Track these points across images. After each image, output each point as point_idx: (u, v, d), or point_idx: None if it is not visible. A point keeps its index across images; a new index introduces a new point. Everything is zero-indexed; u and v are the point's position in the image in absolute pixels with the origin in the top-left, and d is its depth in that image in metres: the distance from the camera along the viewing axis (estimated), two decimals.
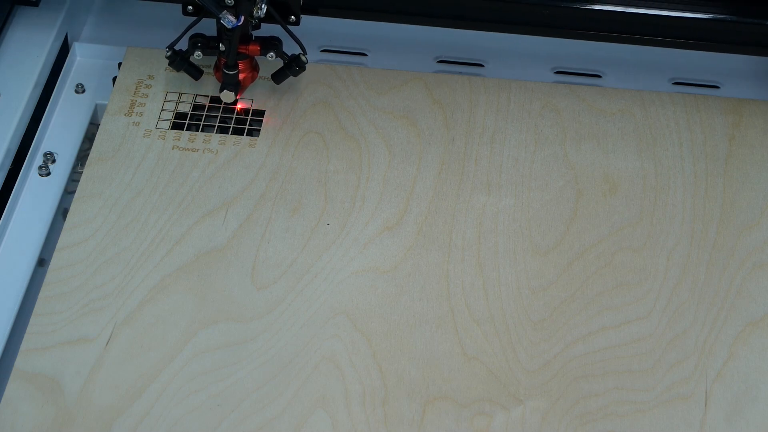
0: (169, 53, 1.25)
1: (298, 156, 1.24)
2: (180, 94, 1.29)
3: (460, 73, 1.37)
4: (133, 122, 1.26)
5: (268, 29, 1.27)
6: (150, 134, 1.25)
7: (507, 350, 1.10)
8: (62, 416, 1.04)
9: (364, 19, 1.35)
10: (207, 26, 1.26)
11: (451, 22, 1.32)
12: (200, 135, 1.25)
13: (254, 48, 1.25)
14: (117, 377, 1.06)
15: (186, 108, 1.28)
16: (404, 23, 1.34)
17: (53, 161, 1.25)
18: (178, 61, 1.26)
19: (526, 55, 1.39)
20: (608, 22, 1.30)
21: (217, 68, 1.28)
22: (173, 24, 1.39)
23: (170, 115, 1.27)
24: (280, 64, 1.27)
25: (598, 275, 1.15)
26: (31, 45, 1.32)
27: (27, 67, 1.30)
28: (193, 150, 1.24)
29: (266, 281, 1.14)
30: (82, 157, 1.28)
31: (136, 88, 1.29)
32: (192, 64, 1.27)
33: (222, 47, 1.24)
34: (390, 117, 1.28)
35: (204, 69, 1.29)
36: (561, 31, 1.32)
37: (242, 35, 1.24)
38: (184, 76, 1.30)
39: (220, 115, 1.28)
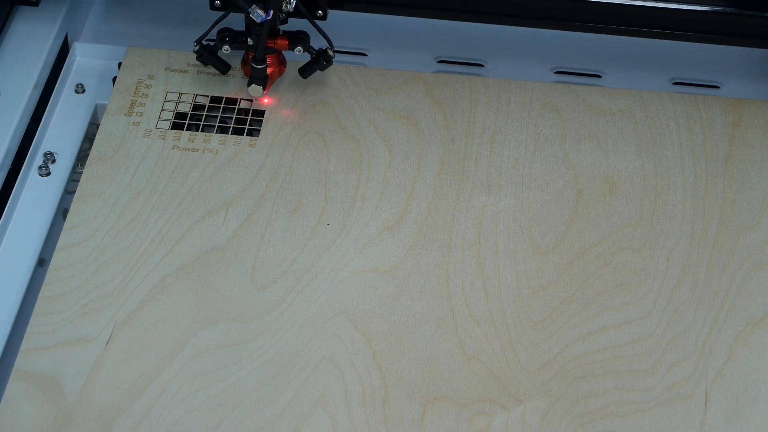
0: (197, 47, 1.26)
1: (298, 156, 1.24)
2: (180, 94, 1.29)
3: (460, 73, 1.37)
4: (133, 122, 1.26)
5: (293, 23, 1.27)
6: (150, 134, 1.25)
7: (507, 350, 1.10)
8: (62, 416, 1.04)
9: (364, 11, 1.35)
10: (232, 21, 1.26)
11: (451, 14, 1.32)
12: (200, 135, 1.25)
13: (282, 42, 1.26)
14: (117, 377, 1.06)
15: (186, 108, 1.28)
16: (404, 15, 1.34)
17: (53, 161, 1.25)
18: (206, 55, 1.27)
19: (526, 54, 1.39)
20: (608, 15, 1.31)
21: (244, 63, 1.28)
22: (174, 24, 1.39)
23: (170, 115, 1.27)
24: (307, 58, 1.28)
25: (598, 275, 1.15)
26: (31, 45, 1.32)
27: (27, 67, 1.30)
28: (193, 150, 1.24)
29: (266, 281, 1.14)
30: (82, 157, 1.28)
31: (136, 88, 1.29)
32: (220, 59, 1.28)
33: (250, 42, 1.24)
34: (390, 117, 1.28)
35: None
36: (561, 24, 1.32)
37: (270, 29, 1.24)
38: (184, 76, 1.30)
39: (220, 115, 1.28)
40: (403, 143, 1.25)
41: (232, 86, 1.30)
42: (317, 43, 1.27)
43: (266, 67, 1.26)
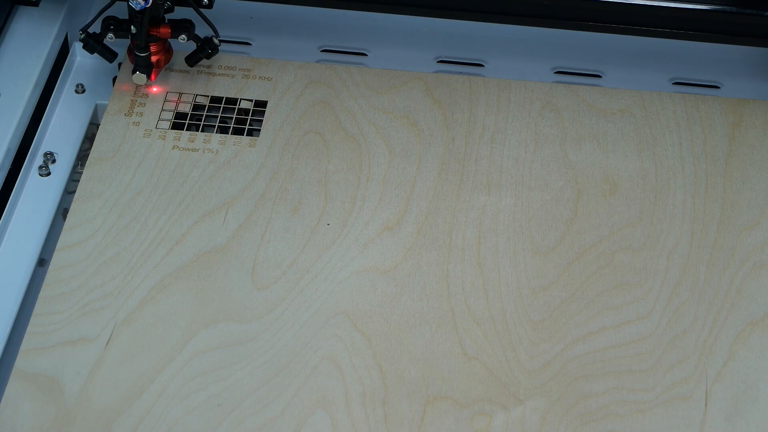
0: (82, 36, 1.27)
1: (298, 156, 1.24)
2: (180, 94, 1.29)
3: (460, 73, 1.37)
4: (133, 122, 1.26)
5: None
6: (150, 134, 1.25)
7: (507, 350, 1.10)
8: (62, 416, 1.04)
9: (364, 10, 1.35)
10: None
11: (451, 13, 1.32)
12: (200, 135, 1.25)
13: (165, 30, 1.27)
14: (117, 377, 1.06)
15: (186, 108, 1.28)
16: (404, 14, 1.34)
17: (53, 161, 1.25)
18: (92, 43, 1.27)
19: (527, 54, 1.39)
20: (609, 14, 1.31)
21: (129, 51, 1.29)
22: None
23: (170, 115, 1.27)
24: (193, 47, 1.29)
25: (598, 275, 1.15)
26: (31, 45, 1.32)
27: (27, 67, 1.30)
28: (193, 150, 1.24)
29: (266, 281, 1.14)
30: (82, 157, 1.28)
31: (136, 88, 1.29)
32: (105, 47, 1.28)
33: (133, 29, 1.25)
34: (390, 117, 1.28)
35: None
36: (561, 23, 1.33)
37: (154, 18, 1.25)
38: (184, 76, 1.30)
39: (220, 115, 1.28)
40: (403, 143, 1.25)
41: (232, 86, 1.30)
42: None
43: (149, 55, 1.26)
